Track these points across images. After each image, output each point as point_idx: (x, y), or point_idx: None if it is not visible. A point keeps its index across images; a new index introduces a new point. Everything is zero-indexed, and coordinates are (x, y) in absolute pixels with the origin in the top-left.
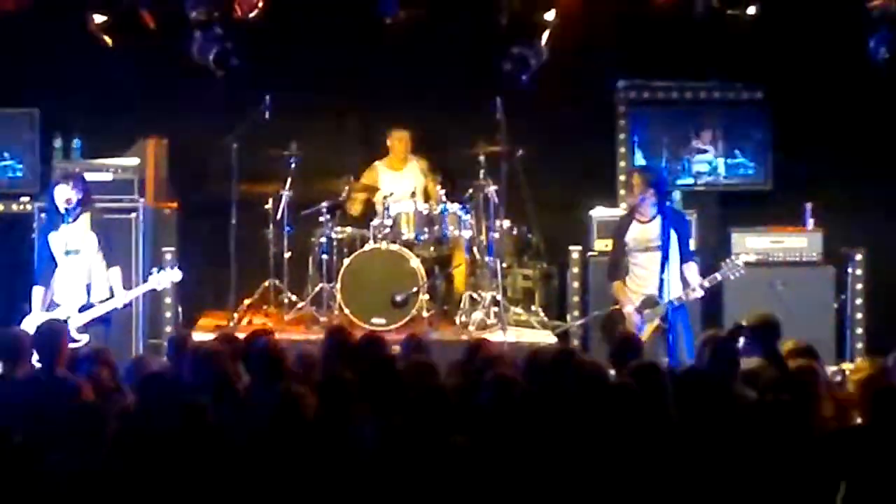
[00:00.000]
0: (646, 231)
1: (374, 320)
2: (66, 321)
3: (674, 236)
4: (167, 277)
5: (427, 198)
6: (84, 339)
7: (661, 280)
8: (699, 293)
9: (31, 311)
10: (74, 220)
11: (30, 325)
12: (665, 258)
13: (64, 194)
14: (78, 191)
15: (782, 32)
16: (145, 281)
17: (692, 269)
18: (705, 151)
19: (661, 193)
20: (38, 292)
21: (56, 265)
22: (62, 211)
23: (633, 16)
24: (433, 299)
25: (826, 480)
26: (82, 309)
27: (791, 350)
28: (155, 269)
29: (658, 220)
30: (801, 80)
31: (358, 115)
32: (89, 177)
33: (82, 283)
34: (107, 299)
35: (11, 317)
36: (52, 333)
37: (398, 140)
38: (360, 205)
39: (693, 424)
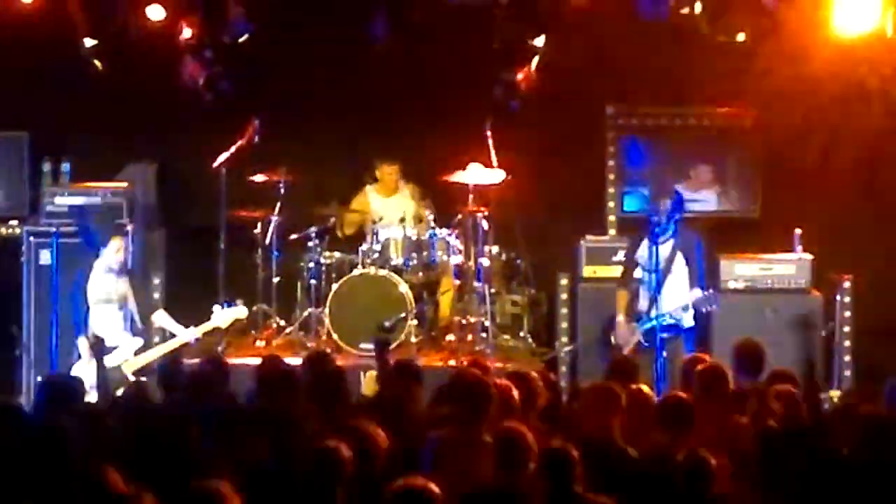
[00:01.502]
0: (656, 253)
1: (362, 345)
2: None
3: (680, 260)
4: (232, 314)
5: (418, 222)
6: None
7: (655, 300)
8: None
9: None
10: (120, 273)
11: (83, 372)
12: (662, 280)
13: (117, 249)
14: (128, 250)
15: (770, 58)
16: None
17: (697, 294)
18: (698, 201)
19: (676, 217)
20: (82, 343)
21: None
22: (114, 265)
23: (622, 42)
24: (421, 325)
25: None
26: (138, 351)
27: (773, 375)
28: (218, 306)
29: (670, 244)
30: (790, 105)
31: (347, 140)
32: (76, 201)
33: (126, 327)
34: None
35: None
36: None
37: (387, 174)
38: (351, 228)
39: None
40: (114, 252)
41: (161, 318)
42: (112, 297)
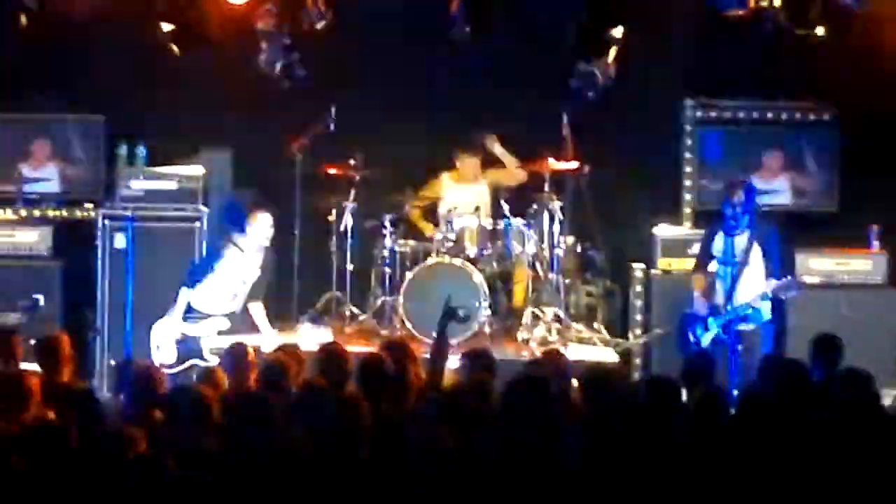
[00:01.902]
0: (732, 245)
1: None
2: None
3: (757, 252)
4: (316, 337)
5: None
6: (214, 361)
7: (731, 293)
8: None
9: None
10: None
11: (165, 327)
12: (739, 273)
13: (271, 224)
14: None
15: (851, 52)
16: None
17: (773, 285)
18: (778, 191)
19: (750, 208)
20: (184, 294)
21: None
22: (265, 242)
23: (700, 34)
24: (495, 314)
25: None
26: (222, 333)
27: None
28: (308, 322)
29: (745, 235)
30: (870, 100)
31: (423, 128)
32: (154, 185)
33: (232, 308)
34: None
35: (73, 323)
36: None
37: (467, 165)
38: (419, 212)
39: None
40: (268, 227)
41: (256, 310)
42: (247, 274)
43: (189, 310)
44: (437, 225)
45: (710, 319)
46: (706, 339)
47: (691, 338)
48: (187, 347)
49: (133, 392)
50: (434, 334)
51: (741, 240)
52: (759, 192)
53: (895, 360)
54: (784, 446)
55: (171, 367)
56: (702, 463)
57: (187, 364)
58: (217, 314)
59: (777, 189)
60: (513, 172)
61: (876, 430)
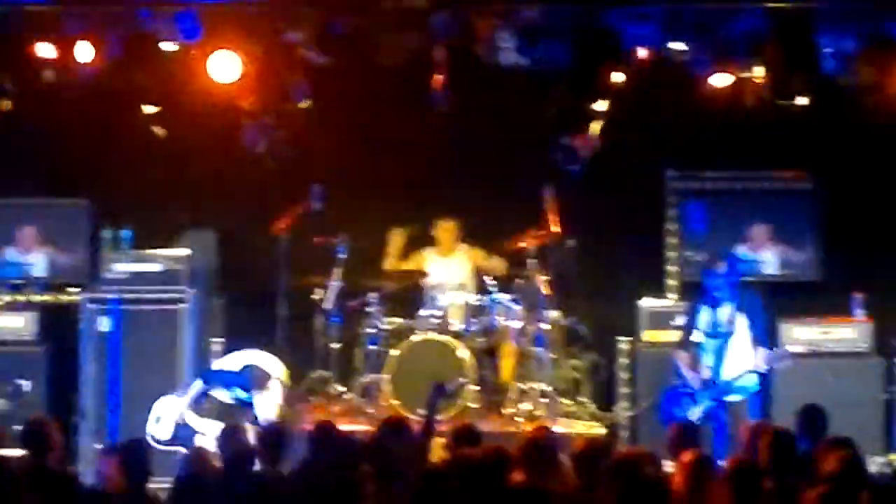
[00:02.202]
0: (716, 317)
1: (422, 411)
2: None
3: (742, 322)
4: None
5: (482, 283)
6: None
7: (718, 365)
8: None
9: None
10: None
11: (172, 404)
12: (725, 344)
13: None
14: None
15: (833, 122)
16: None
17: (761, 354)
18: (761, 262)
19: (733, 279)
20: (199, 385)
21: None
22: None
23: (683, 106)
24: (482, 390)
25: None
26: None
27: (830, 443)
28: None
29: (730, 306)
30: (851, 169)
31: (408, 204)
32: (138, 268)
33: None
34: None
35: (59, 406)
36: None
37: (444, 230)
38: (401, 278)
39: None
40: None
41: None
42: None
43: (198, 400)
44: (421, 297)
45: (700, 393)
46: (695, 414)
47: (678, 414)
48: (184, 433)
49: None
50: (420, 411)
51: (725, 311)
52: (745, 263)
53: (882, 427)
54: None
55: (161, 443)
56: None
57: (175, 448)
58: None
59: (764, 260)
60: (498, 268)
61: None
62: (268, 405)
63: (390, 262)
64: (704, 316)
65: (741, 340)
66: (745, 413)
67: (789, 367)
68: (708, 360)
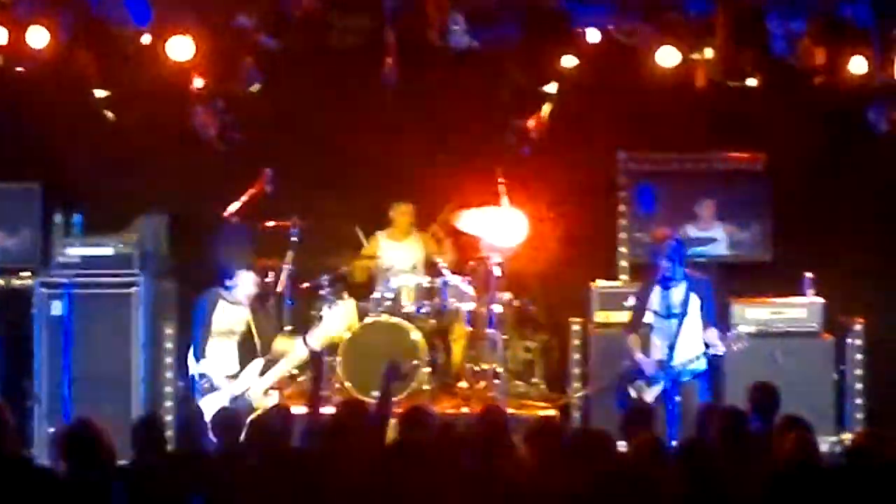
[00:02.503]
0: (668, 298)
1: (375, 393)
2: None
3: (695, 301)
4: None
5: (433, 268)
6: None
7: (673, 346)
8: (720, 351)
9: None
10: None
11: (213, 401)
12: (679, 325)
13: (254, 282)
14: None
15: (782, 103)
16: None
17: (713, 334)
18: (712, 241)
19: (682, 260)
20: (195, 367)
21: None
22: (242, 298)
23: (634, 88)
24: (434, 372)
25: None
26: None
27: (784, 422)
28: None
29: (682, 287)
30: (801, 149)
31: (359, 187)
32: (90, 251)
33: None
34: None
35: (12, 390)
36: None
37: (401, 214)
38: (363, 274)
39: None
40: (250, 284)
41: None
42: (234, 331)
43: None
44: (374, 284)
45: (654, 376)
46: (650, 396)
47: (633, 394)
48: (241, 405)
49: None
50: (374, 393)
51: (678, 292)
52: (694, 242)
53: (832, 406)
54: (723, 493)
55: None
56: None
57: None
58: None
59: (714, 237)
60: (449, 255)
61: (814, 477)
62: None
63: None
64: (656, 297)
65: (694, 322)
66: (696, 394)
67: (744, 349)
68: (660, 341)
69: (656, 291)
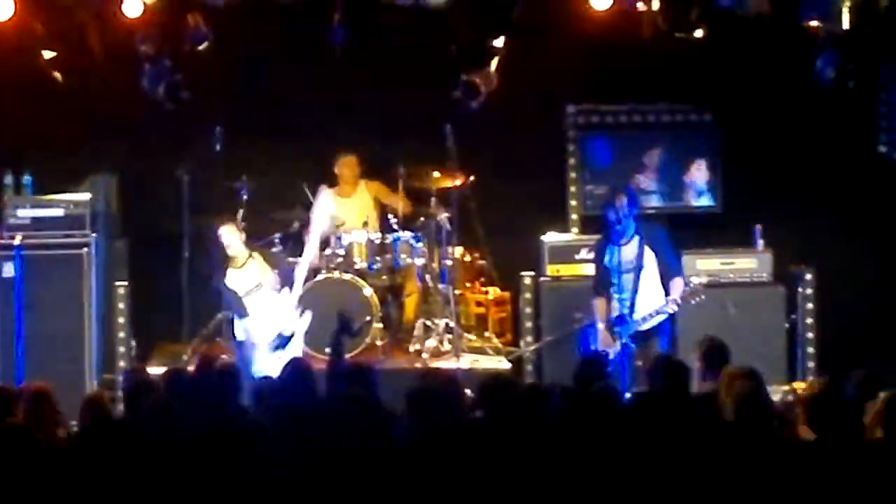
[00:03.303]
0: (622, 253)
1: (328, 349)
2: None
3: (650, 255)
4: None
5: (393, 216)
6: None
7: (633, 301)
8: (671, 309)
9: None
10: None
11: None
12: (637, 279)
13: (231, 232)
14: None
15: (730, 54)
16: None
17: (677, 285)
18: (651, 192)
19: (634, 213)
20: (241, 325)
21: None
22: (240, 252)
23: (581, 41)
24: (387, 328)
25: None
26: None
27: (733, 374)
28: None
29: (635, 241)
30: (749, 101)
31: (309, 145)
32: (40, 213)
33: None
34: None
35: None
36: None
37: (345, 166)
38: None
39: (647, 448)
40: (234, 233)
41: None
42: (260, 283)
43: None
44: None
45: (616, 330)
46: (612, 352)
47: (595, 349)
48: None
49: None
50: (327, 350)
51: (631, 247)
52: (644, 193)
53: (784, 355)
54: (672, 445)
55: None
56: (593, 457)
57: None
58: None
59: (652, 190)
60: (401, 206)
61: (766, 427)
62: None
63: None
64: (610, 254)
65: (650, 275)
66: (655, 346)
67: (702, 301)
68: (619, 295)
69: (610, 246)
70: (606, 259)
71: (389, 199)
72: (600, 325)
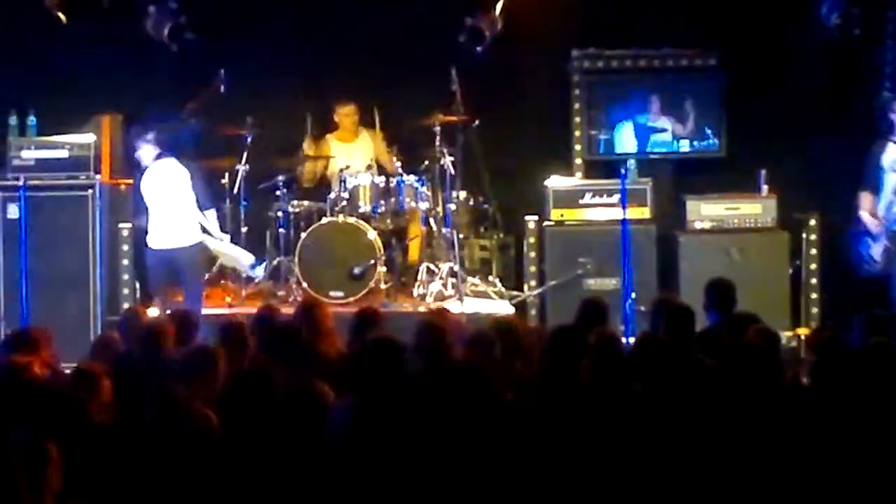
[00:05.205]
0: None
1: (332, 293)
2: None
3: None
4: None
5: (381, 170)
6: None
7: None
8: None
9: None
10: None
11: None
12: None
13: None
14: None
15: None
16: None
17: None
18: (663, 130)
19: None
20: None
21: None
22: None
23: None
24: (391, 271)
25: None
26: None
27: (738, 318)
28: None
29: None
30: (754, 45)
31: (313, 88)
32: (45, 154)
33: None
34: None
35: None
36: None
37: (344, 115)
38: (311, 178)
39: (652, 392)
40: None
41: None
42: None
43: None
44: (328, 185)
45: (877, 234)
46: (876, 252)
47: (864, 254)
48: None
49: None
50: (332, 293)
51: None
52: (650, 131)
53: (788, 301)
54: (676, 389)
55: None
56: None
57: None
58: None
59: (663, 128)
60: (389, 167)
61: (772, 373)
62: None
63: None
64: (892, 154)
65: None
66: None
67: (688, 242)
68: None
69: (892, 147)
70: (886, 158)
71: (383, 157)
72: (863, 215)
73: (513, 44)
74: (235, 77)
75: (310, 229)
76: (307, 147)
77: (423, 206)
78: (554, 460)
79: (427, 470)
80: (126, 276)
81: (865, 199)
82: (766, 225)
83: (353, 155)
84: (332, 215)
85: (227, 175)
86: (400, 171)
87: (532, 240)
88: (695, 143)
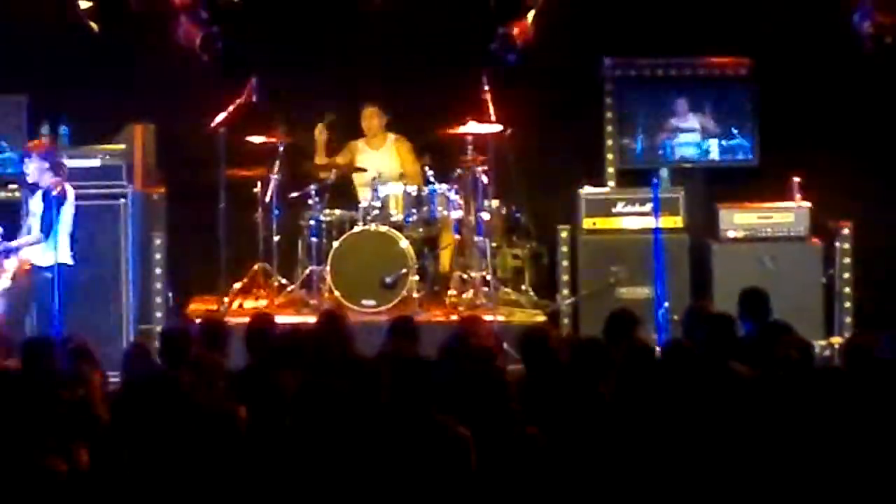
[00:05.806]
0: None
1: (364, 302)
2: None
3: None
4: None
5: (406, 178)
6: None
7: None
8: None
9: None
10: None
11: None
12: None
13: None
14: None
15: (768, 6)
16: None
17: None
18: (692, 131)
19: None
20: None
21: None
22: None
23: None
24: (423, 280)
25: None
26: None
27: (772, 327)
28: None
29: None
30: (787, 53)
31: (345, 96)
32: (77, 163)
33: None
34: None
35: None
36: None
37: (368, 117)
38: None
39: (686, 402)
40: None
41: None
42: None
43: None
44: (350, 183)
45: None
46: None
47: None
48: None
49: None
50: (364, 302)
51: None
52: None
53: (821, 311)
54: (709, 396)
55: None
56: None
57: None
58: None
59: (692, 127)
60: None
61: (806, 381)
62: None
63: (319, 157)
64: None
65: None
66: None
67: (721, 251)
68: None
69: None
70: None
71: (409, 167)
72: None
73: (545, 52)
74: (267, 85)
75: (342, 238)
76: (318, 159)
77: (456, 214)
78: (574, 475)
79: (444, 476)
80: (159, 286)
81: None
82: (799, 234)
83: (380, 161)
84: (364, 224)
85: (259, 184)
86: (432, 179)
87: (565, 249)
88: (723, 142)
